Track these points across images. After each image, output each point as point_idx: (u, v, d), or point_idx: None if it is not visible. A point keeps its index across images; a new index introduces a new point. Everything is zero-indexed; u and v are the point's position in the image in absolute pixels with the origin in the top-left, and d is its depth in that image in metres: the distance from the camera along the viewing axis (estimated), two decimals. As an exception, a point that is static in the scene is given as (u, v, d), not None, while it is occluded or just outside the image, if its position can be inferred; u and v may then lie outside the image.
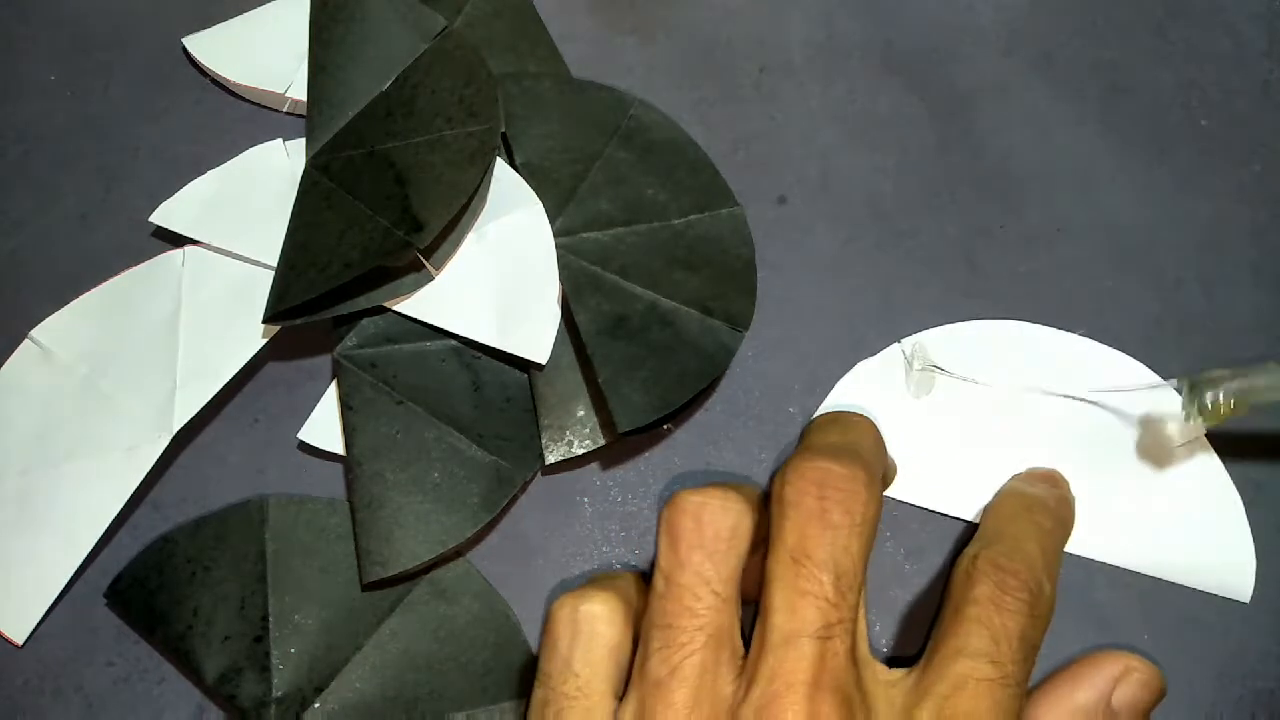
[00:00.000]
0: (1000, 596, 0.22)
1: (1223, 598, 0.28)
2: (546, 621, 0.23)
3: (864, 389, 0.30)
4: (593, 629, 0.22)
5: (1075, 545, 0.28)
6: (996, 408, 0.30)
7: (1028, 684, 0.22)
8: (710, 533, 0.22)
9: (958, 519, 0.29)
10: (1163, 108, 0.35)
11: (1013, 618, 0.22)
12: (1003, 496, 0.27)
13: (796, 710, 0.20)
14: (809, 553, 0.21)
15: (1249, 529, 0.28)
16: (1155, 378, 0.30)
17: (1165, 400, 0.29)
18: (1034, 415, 0.30)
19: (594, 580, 0.25)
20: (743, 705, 0.20)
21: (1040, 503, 0.26)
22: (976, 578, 0.22)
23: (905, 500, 0.29)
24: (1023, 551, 0.23)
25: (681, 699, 0.20)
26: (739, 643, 0.22)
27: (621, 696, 0.22)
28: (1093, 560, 0.29)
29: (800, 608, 0.21)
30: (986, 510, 0.27)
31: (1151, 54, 0.36)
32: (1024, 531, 0.24)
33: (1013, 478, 0.28)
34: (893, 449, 0.29)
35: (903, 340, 0.31)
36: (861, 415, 0.26)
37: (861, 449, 0.24)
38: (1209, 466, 0.29)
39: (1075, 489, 0.28)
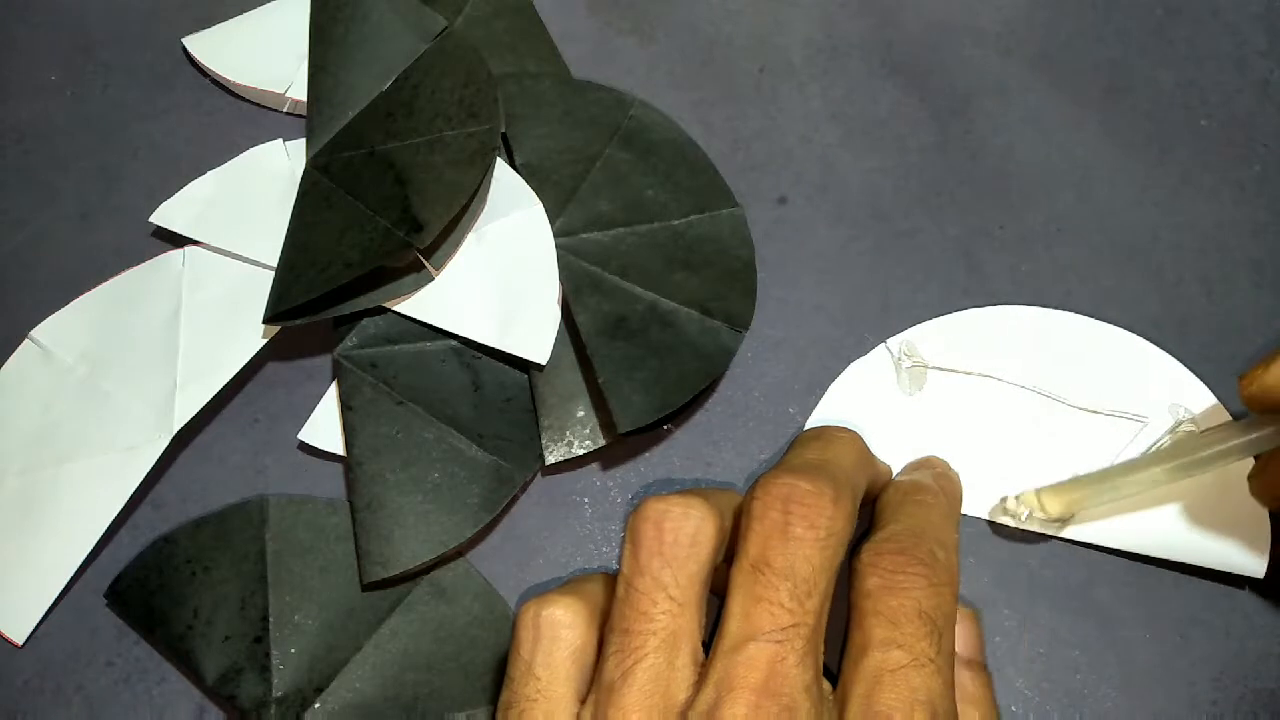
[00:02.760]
0: (891, 579, 0.22)
1: (1222, 599, 0.28)
2: (513, 625, 0.23)
3: (858, 390, 0.30)
4: (554, 633, 0.22)
5: (1081, 533, 0.28)
6: (991, 396, 0.30)
7: (951, 657, 0.21)
8: (670, 539, 0.22)
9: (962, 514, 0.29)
10: (1163, 108, 0.35)
11: (908, 595, 0.21)
12: (883, 494, 0.27)
13: (741, 715, 0.19)
14: (769, 561, 0.21)
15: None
16: (1147, 344, 0.30)
17: (1168, 376, 0.30)
18: (1029, 399, 0.30)
19: (564, 584, 0.25)
20: (690, 710, 0.20)
21: (916, 484, 0.26)
22: (864, 572, 0.22)
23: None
24: (905, 530, 0.23)
25: (631, 702, 0.21)
26: (699, 648, 0.22)
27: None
28: (1096, 553, 0.29)
29: (754, 613, 0.21)
30: (875, 507, 0.27)
31: (1151, 54, 0.36)
32: (905, 513, 0.24)
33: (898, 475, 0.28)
34: (891, 447, 0.29)
35: (890, 340, 0.31)
36: (845, 430, 0.26)
37: (836, 467, 0.24)
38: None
39: (1076, 472, 0.28)
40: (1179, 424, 0.29)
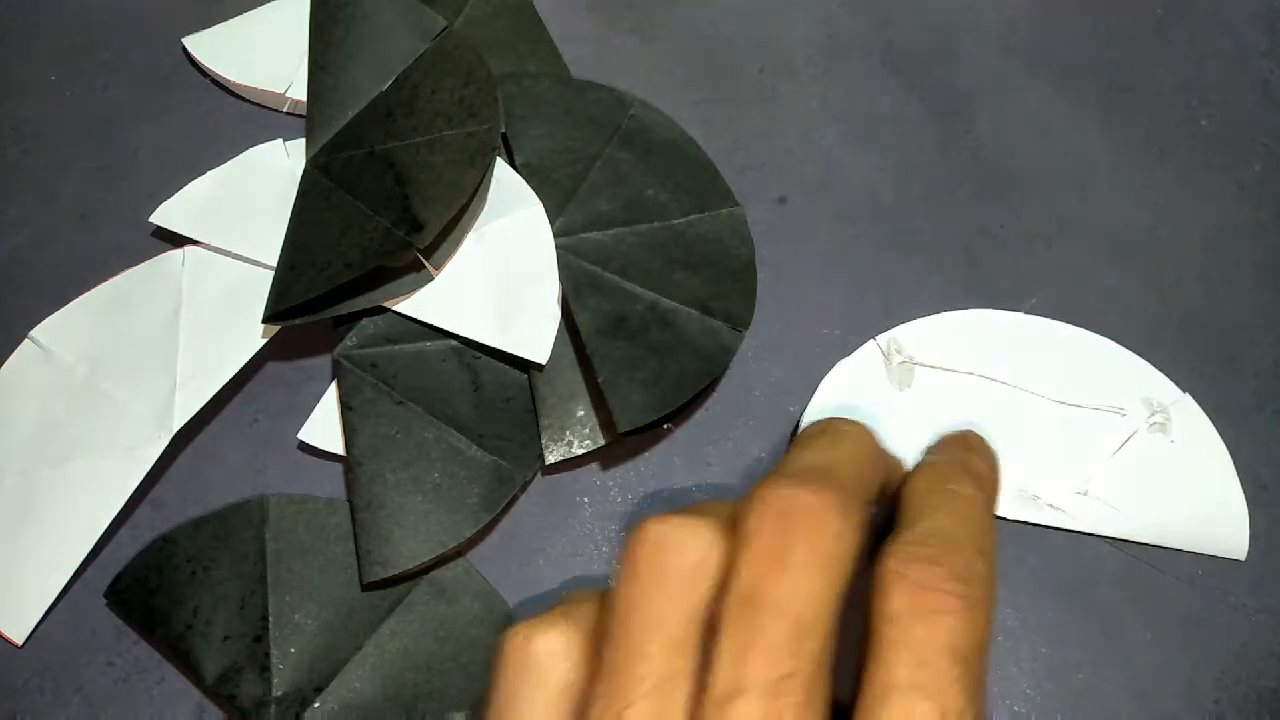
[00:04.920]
0: (921, 599, 0.18)
1: (1224, 598, 0.28)
2: (499, 651, 0.21)
3: (848, 387, 0.30)
4: (544, 665, 0.20)
5: (1070, 520, 0.29)
6: (977, 393, 0.30)
7: (979, 695, 0.18)
8: (672, 566, 0.20)
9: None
10: (1163, 108, 0.35)
11: (941, 622, 0.18)
12: (911, 480, 0.22)
13: None
14: (762, 594, 0.18)
15: (1240, 487, 0.29)
16: (1117, 346, 0.31)
17: (1138, 374, 0.31)
18: (1013, 395, 0.30)
19: (557, 605, 0.22)
20: None
21: (952, 468, 0.22)
22: (888, 586, 0.19)
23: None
24: (939, 534, 0.20)
25: None
26: (695, 692, 0.19)
27: None
28: (1097, 552, 0.29)
29: (745, 660, 0.18)
30: (899, 498, 0.23)
31: (1151, 54, 0.36)
32: (937, 506, 0.21)
33: (924, 453, 0.24)
34: (882, 440, 0.29)
35: (878, 337, 0.31)
36: (854, 424, 0.23)
37: (843, 469, 0.21)
38: (1198, 431, 0.30)
39: (1063, 465, 0.29)
40: (1154, 414, 0.30)
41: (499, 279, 0.30)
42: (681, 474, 0.30)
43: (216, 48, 0.35)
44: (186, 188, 0.32)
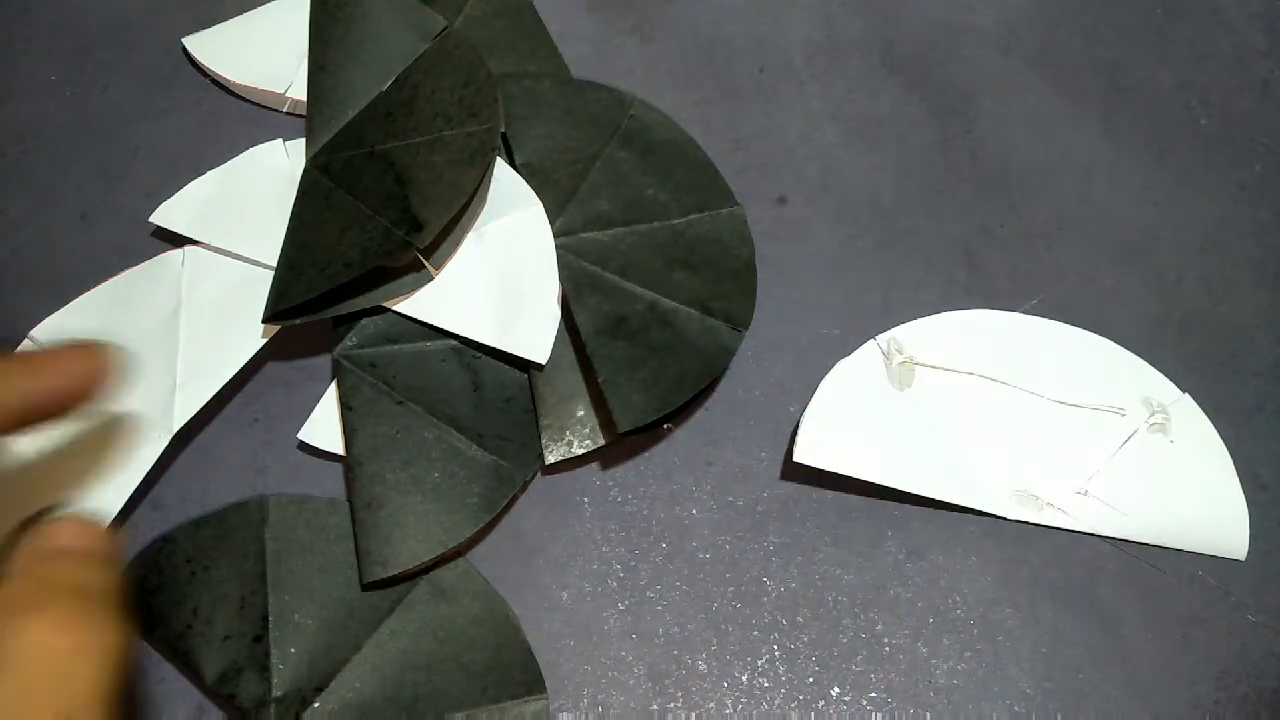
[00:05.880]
0: None
1: (1224, 598, 0.28)
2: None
3: (848, 387, 0.30)
4: None
5: (1070, 520, 0.29)
6: (977, 392, 0.30)
7: None
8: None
9: (955, 507, 0.29)
10: (1163, 108, 0.35)
11: None
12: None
13: None
14: None
15: (1240, 487, 0.29)
16: (1116, 346, 0.31)
17: (1137, 373, 0.31)
18: (1013, 395, 0.30)
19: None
20: None
21: (23, 597, 0.18)
22: None
23: (903, 489, 0.29)
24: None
25: None
26: None
27: None
28: (1098, 552, 0.29)
29: None
30: None
31: (1151, 54, 0.36)
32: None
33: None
34: (882, 441, 0.29)
35: (878, 337, 0.31)
36: None
37: None
38: (1198, 431, 0.30)
39: (1063, 465, 0.29)
40: (1153, 414, 0.30)
41: (499, 279, 0.30)
42: (681, 474, 0.30)
43: (216, 48, 0.35)
44: (186, 188, 0.32)
